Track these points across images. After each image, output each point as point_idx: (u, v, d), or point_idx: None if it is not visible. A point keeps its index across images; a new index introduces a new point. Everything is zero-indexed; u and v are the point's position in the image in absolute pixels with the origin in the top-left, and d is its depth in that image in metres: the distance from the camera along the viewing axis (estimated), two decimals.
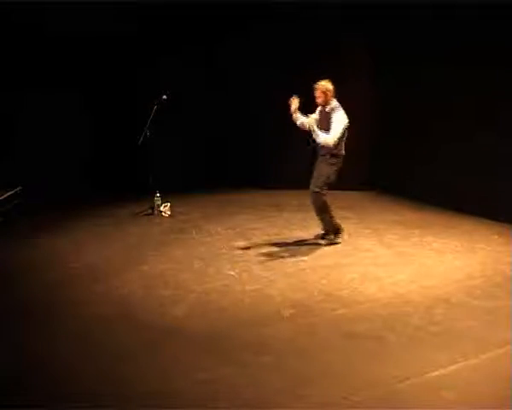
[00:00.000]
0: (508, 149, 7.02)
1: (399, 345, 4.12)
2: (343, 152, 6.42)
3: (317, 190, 6.37)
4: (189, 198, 9.19)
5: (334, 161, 6.35)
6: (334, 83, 6.42)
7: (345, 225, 7.03)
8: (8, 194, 8.08)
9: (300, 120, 6.47)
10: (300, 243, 6.68)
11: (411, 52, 8.30)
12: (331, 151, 6.31)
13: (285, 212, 8.22)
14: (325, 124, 6.32)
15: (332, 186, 6.58)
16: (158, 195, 8.07)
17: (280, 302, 4.94)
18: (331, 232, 6.60)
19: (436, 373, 3.66)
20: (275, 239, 6.84)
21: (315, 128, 6.30)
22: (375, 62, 9.02)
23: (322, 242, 6.61)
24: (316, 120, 6.45)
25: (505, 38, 6.92)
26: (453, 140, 7.77)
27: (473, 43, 7.29)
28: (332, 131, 6.23)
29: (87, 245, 6.81)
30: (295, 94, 6.44)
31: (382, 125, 8.98)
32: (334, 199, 6.41)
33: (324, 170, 6.37)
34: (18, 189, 8.34)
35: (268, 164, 9.90)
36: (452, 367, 3.73)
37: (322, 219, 6.54)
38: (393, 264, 5.88)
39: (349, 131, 6.39)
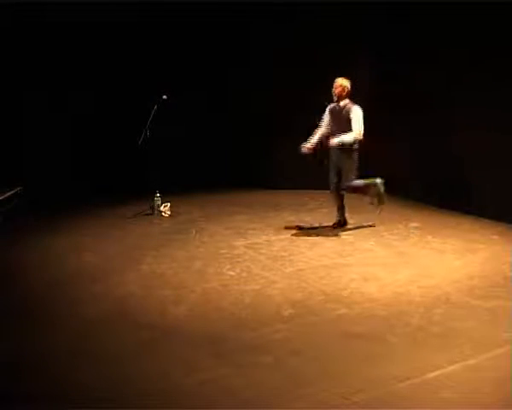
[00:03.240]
0: None
1: (399, 345, 4.12)
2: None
3: (348, 184, 6.82)
4: (189, 198, 9.19)
5: (356, 154, 6.78)
6: (333, 82, 6.56)
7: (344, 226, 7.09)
8: (8, 194, 8.08)
9: (314, 140, 6.88)
10: (300, 242, 6.69)
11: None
12: (352, 147, 6.69)
13: (284, 212, 8.22)
14: (341, 119, 6.66)
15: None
16: (158, 195, 8.07)
17: (280, 302, 4.94)
18: (376, 201, 7.00)
19: (436, 373, 3.66)
20: (274, 239, 6.85)
21: (341, 139, 6.59)
22: (377, 61, 9.00)
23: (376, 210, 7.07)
24: (327, 123, 6.91)
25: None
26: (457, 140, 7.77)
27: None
28: (356, 124, 6.61)
29: (87, 245, 6.81)
30: None
31: (380, 125, 8.97)
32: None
33: (352, 165, 6.77)
34: (18, 189, 8.34)
35: (267, 164, 9.89)
36: (452, 367, 3.73)
37: (365, 194, 7.02)
38: (393, 264, 5.88)
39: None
